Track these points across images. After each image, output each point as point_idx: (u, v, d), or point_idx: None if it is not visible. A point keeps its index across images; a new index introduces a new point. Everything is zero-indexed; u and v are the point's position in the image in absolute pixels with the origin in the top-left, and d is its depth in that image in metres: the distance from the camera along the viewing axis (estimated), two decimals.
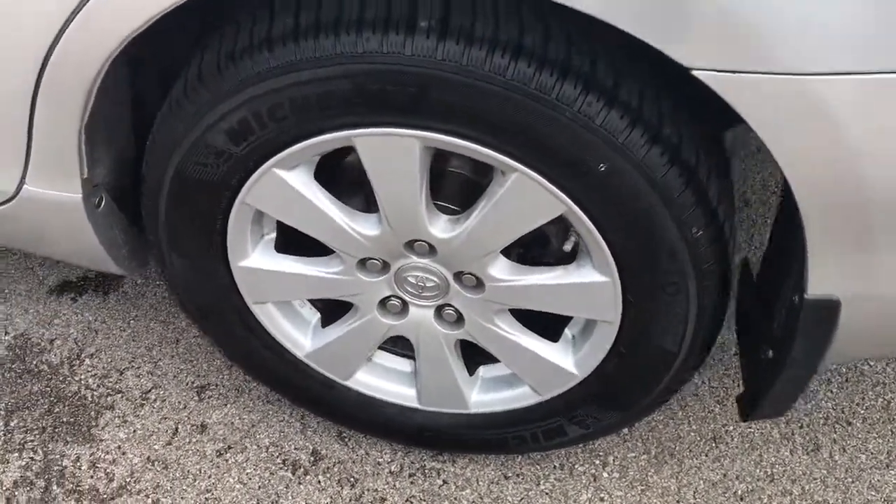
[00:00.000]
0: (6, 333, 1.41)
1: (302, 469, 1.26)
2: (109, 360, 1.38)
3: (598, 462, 1.28)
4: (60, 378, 1.35)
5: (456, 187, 1.02)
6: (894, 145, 0.77)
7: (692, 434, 1.32)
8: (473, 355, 1.17)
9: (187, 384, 1.35)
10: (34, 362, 1.37)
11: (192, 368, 1.37)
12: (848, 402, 1.36)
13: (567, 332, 1.10)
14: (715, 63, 0.73)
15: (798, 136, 0.77)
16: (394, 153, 0.90)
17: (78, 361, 1.38)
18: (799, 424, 1.33)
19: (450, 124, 0.85)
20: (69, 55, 0.85)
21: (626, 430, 1.31)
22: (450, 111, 0.84)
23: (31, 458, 1.26)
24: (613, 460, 1.28)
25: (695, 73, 0.74)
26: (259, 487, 1.24)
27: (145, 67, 1.05)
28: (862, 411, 1.35)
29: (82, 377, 1.36)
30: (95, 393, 1.34)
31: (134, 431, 1.29)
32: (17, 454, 1.26)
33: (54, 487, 1.23)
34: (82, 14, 0.82)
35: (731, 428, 1.33)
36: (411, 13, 0.81)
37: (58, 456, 1.26)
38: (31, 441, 1.28)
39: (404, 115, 0.86)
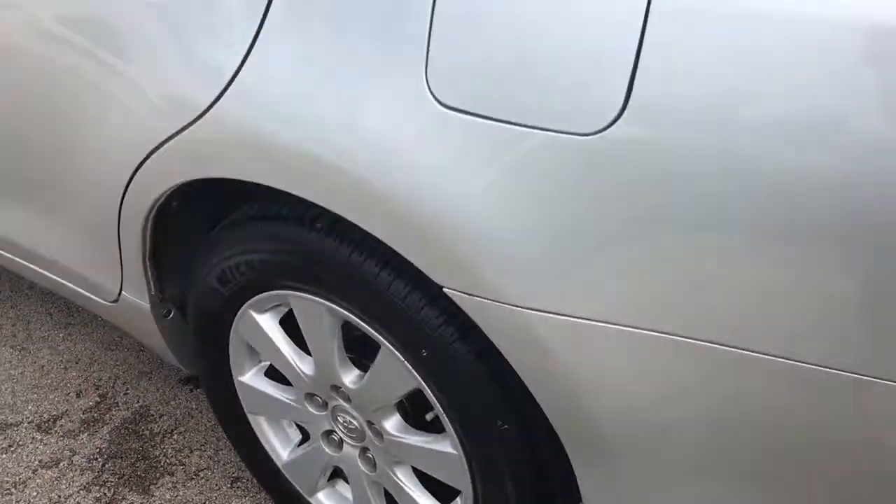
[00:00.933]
0: (137, 402, 1.89)
1: None
2: (189, 440, 1.79)
3: None
4: (152, 443, 1.78)
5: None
6: (610, 385, 0.92)
7: None
8: None
9: (228, 473, 1.70)
10: (143, 426, 1.82)
11: (237, 462, 1.72)
12: None
13: (458, 499, 1.28)
14: (456, 284, 0.96)
15: (526, 362, 0.95)
16: (311, 312, 1.21)
17: (169, 434, 1.80)
18: None
19: (335, 297, 1.15)
20: (127, 209, 1.30)
21: None
22: (331, 287, 1.14)
23: (104, 493, 1.68)
24: None
25: (445, 290, 0.97)
26: None
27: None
28: None
29: (166, 447, 1.77)
30: (168, 461, 1.74)
31: (176, 496, 1.67)
32: (98, 487, 1.69)
33: None
34: (133, 182, 1.26)
35: None
36: (315, 217, 1.14)
37: (120, 498, 1.67)
38: (111, 482, 1.70)
39: (309, 285, 1.17)
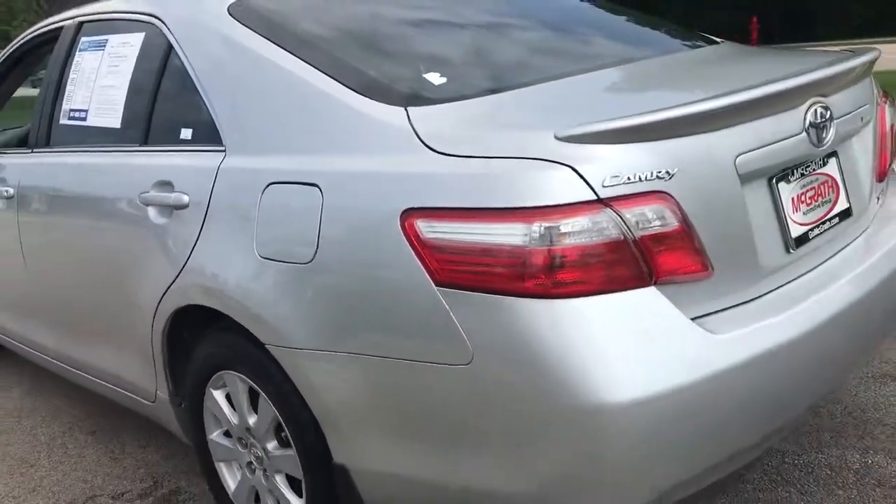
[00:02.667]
0: (174, 485, 2.90)
1: None
2: None
3: None
4: None
5: None
6: (331, 383, 1.90)
7: None
8: None
9: None
10: (174, 498, 2.83)
11: None
12: None
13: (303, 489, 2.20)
14: (269, 340, 2.00)
15: (298, 378, 1.95)
16: (233, 382, 2.26)
17: (190, 502, 2.80)
18: None
19: (240, 369, 2.20)
20: (154, 334, 2.43)
21: None
22: (238, 364, 2.20)
23: None
24: None
25: (266, 346, 2.01)
26: None
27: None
28: None
29: None
30: None
31: None
32: None
33: None
34: (157, 314, 2.40)
35: None
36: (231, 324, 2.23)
37: None
38: None
39: (231, 364, 2.23)
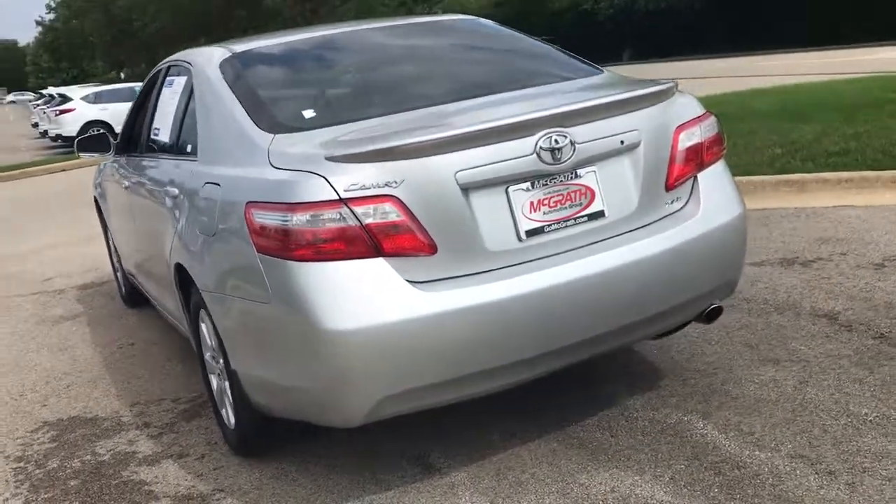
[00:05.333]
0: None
1: None
2: None
3: None
4: (209, 411, 3.93)
5: None
6: (225, 312, 2.91)
7: None
8: None
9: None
10: (206, 405, 3.99)
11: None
12: None
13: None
14: (201, 287, 3.04)
15: (210, 310, 2.98)
16: (204, 315, 3.33)
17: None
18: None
19: (204, 307, 3.27)
20: (173, 281, 3.57)
21: None
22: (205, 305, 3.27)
23: (181, 417, 3.85)
24: None
25: (200, 289, 3.05)
26: None
27: None
28: None
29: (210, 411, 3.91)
30: (208, 411, 3.87)
31: (200, 424, 3.77)
32: (178, 420, 3.87)
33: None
34: (168, 264, 3.54)
35: None
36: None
37: (183, 421, 3.83)
38: (183, 420, 3.87)
39: (202, 307, 3.31)
